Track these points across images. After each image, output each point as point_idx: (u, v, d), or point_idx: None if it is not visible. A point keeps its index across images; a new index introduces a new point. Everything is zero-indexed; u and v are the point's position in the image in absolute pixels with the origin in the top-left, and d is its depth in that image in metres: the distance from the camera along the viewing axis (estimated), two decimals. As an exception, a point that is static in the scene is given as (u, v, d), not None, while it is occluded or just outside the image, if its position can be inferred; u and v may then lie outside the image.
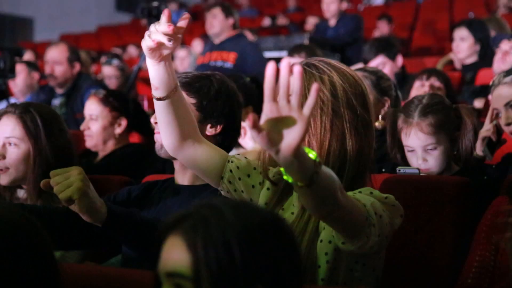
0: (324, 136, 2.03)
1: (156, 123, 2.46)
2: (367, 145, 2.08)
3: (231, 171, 2.22)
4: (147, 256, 2.34)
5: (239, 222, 1.38)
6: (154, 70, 2.14)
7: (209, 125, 2.64)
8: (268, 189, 2.21)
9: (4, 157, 2.81)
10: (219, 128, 2.66)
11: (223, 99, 2.68)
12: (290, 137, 1.54)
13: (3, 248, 1.44)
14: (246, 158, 2.28)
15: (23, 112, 2.89)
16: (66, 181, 2.12)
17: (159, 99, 2.18)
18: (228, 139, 2.72)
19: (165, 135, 2.23)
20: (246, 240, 1.36)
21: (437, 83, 4.69)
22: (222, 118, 2.66)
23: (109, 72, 6.76)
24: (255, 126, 1.50)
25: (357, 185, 2.04)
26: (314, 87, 1.53)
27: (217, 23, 6.64)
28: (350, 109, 2.05)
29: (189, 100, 2.60)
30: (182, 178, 2.68)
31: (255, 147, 3.27)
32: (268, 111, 1.53)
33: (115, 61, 6.82)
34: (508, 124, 3.11)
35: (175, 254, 1.38)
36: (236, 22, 6.71)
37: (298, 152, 1.56)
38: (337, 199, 1.73)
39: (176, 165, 2.68)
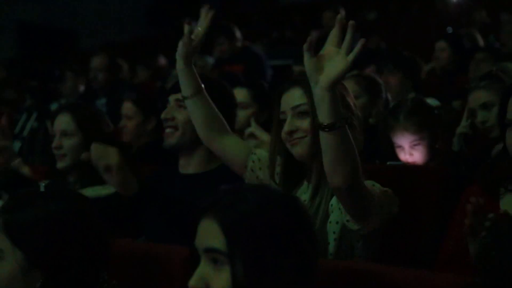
0: None
1: (165, 118, 2.58)
2: (358, 134, 2.07)
3: (253, 162, 2.23)
4: (167, 233, 2.36)
5: (261, 203, 1.40)
6: (181, 72, 2.25)
7: None
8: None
9: (61, 147, 2.85)
10: None
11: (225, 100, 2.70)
12: (331, 70, 1.63)
13: (81, 225, 1.62)
14: (264, 155, 2.27)
15: (76, 110, 2.95)
16: (106, 152, 2.21)
17: (185, 97, 2.26)
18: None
19: (197, 128, 2.31)
20: (268, 218, 1.38)
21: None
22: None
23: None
24: (310, 48, 1.64)
25: None
26: (351, 23, 1.62)
27: (225, 49, 6.62)
28: (346, 106, 2.03)
29: None
30: (187, 168, 2.67)
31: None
32: (324, 50, 1.66)
33: None
34: (483, 122, 3.10)
35: (210, 233, 1.39)
36: (239, 40, 6.69)
37: (333, 88, 1.64)
38: (357, 161, 1.74)
39: (181, 157, 2.68)
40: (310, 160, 2.07)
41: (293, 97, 2.08)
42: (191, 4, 7.62)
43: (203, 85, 2.30)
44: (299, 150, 2.06)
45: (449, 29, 8.39)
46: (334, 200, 1.99)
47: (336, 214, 1.96)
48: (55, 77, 5.15)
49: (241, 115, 3.69)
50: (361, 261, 1.98)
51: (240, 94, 3.70)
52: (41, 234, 1.63)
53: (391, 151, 3.09)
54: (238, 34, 6.73)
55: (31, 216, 1.64)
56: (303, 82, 1.99)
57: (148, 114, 3.91)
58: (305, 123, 2.05)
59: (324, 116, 1.69)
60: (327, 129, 1.69)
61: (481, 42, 6.76)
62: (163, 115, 2.66)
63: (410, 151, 2.97)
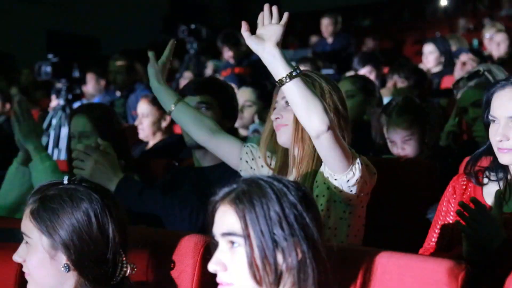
0: None
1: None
2: (347, 135, 2.09)
3: (246, 153, 2.26)
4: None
5: (272, 190, 1.41)
6: (157, 90, 2.36)
7: (227, 119, 2.67)
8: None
9: None
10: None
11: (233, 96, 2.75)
12: (270, 33, 1.80)
13: (103, 213, 1.63)
14: (254, 145, 2.30)
15: (91, 111, 2.94)
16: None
17: (170, 112, 2.34)
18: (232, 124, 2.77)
19: (190, 134, 2.36)
20: (278, 203, 1.39)
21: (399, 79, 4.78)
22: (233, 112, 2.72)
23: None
24: (247, 29, 1.82)
25: None
26: (274, 7, 1.82)
27: (231, 55, 6.59)
28: (334, 107, 2.06)
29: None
30: (202, 162, 2.65)
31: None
32: (258, 30, 1.82)
33: None
34: (474, 118, 3.08)
35: (227, 219, 1.42)
36: (244, 45, 6.66)
37: (277, 45, 1.79)
38: (323, 103, 1.81)
39: (197, 152, 2.66)
40: (292, 146, 2.10)
41: None
42: (200, 14, 7.61)
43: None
44: (282, 137, 2.11)
45: (437, 34, 8.37)
46: (318, 176, 2.03)
47: (322, 188, 1.99)
48: (79, 79, 5.14)
49: (247, 112, 3.68)
50: (352, 244, 1.97)
51: (246, 93, 3.70)
52: (65, 221, 1.62)
53: (385, 144, 3.09)
54: (243, 40, 6.71)
55: (56, 205, 1.63)
56: None
57: (163, 112, 3.90)
58: (289, 113, 2.08)
59: (281, 70, 1.79)
60: (288, 80, 1.78)
61: (466, 45, 6.74)
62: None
63: (402, 146, 2.95)
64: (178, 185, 2.63)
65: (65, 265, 1.62)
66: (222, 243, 1.43)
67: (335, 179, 1.95)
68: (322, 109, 1.79)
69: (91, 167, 2.36)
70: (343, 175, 1.92)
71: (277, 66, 1.80)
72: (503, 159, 1.84)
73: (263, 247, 1.37)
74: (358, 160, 1.92)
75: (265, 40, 1.81)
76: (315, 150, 2.00)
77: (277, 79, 1.81)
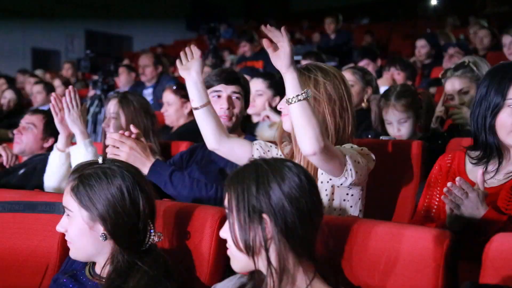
0: None
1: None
2: (345, 123, 2.02)
3: (257, 149, 2.19)
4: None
5: (257, 173, 1.41)
6: (189, 86, 2.17)
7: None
8: None
9: (108, 126, 2.92)
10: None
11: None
12: (281, 58, 1.67)
13: (134, 189, 1.64)
14: (261, 141, 2.24)
15: (122, 98, 2.94)
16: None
17: (196, 108, 2.16)
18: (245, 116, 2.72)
19: (208, 136, 2.17)
20: (257, 179, 1.40)
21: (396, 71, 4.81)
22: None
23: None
24: (269, 46, 1.68)
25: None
26: (283, 29, 1.67)
27: (249, 49, 6.54)
28: (328, 98, 2.00)
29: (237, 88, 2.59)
30: None
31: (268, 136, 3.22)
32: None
33: None
34: (462, 103, 3.05)
35: (225, 195, 1.44)
36: (258, 41, 6.65)
37: (288, 70, 1.68)
38: (319, 129, 1.70)
39: None
40: (294, 134, 2.05)
41: None
42: (219, 14, 7.61)
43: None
44: (286, 124, 2.07)
45: (428, 30, 8.28)
46: None
47: (326, 176, 1.95)
48: (113, 72, 5.16)
49: (258, 100, 3.66)
50: (352, 216, 1.96)
51: (257, 83, 3.67)
52: (102, 196, 1.62)
53: (382, 128, 3.08)
54: (256, 37, 6.69)
55: (93, 182, 1.63)
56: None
57: (185, 100, 3.89)
58: None
59: (288, 92, 1.70)
60: (294, 101, 1.69)
61: (453, 40, 6.69)
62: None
63: (398, 127, 2.97)
64: (187, 163, 2.63)
65: (103, 234, 1.63)
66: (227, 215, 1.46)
67: (330, 179, 1.92)
68: (315, 135, 1.70)
69: (126, 153, 2.34)
70: (337, 179, 1.89)
71: (286, 87, 1.71)
72: None
73: (238, 218, 1.40)
74: (350, 167, 1.85)
75: (285, 60, 1.69)
76: None
77: (286, 97, 1.72)
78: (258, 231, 1.38)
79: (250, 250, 1.40)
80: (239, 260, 1.44)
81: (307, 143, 1.71)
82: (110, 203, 1.61)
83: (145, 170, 2.34)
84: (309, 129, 1.69)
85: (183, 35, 15.10)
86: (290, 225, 1.38)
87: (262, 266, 1.42)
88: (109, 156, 2.36)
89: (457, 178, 1.71)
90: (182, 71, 2.17)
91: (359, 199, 2.02)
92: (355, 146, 1.98)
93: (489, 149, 1.85)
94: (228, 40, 10.65)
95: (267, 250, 1.39)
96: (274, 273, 1.39)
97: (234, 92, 2.59)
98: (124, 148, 2.35)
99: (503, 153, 1.85)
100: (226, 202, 1.44)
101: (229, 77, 2.60)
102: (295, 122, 1.72)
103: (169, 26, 15.14)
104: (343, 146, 1.97)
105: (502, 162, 1.85)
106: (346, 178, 1.87)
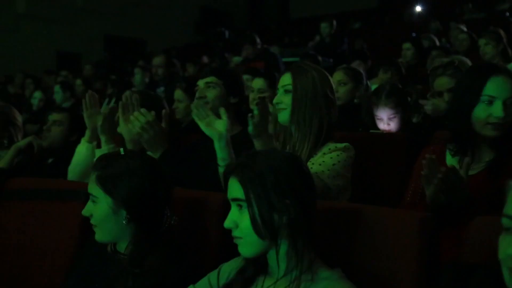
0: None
1: (199, 96, 2.53)
2: (330, 118, 2.03)
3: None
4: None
5: (270, 162, 1.38)
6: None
7: (231, 96, 2.58)
8: None
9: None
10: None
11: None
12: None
13: (153, 177, 1.65)
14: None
15: (145, 94, 2.95)
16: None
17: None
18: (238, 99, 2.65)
19: None
20: (275, 173, 1.37)
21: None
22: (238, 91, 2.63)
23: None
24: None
25: (319, 145, 2.01)
26: None
27: (250, 51, 6.49)
28: (324, 94, 2.01)
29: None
30: None
31: None
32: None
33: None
34: (448, 101, 3.02)
35: (234, 187, 1.40)
36: (259, 44, 6.59)
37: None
38: None
39: None
40: (289, 126, 2.07)
41: (284, 79, 2.09)
42: (225, 20, 7.58)
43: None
44: (281, 117, 2.07)
45: (413, 34, 8.26)
46: (314, 158, 1.98)
47: (316, 168, 1.93)
48: (129, 72, 5.16)
49: (260, 98, 3.64)
50: (342, 202, 1.96)
51: (259, 82, 3.66)
52: (125, 184, 1.62)
53: (372, 122, 3.07)
54: (258, 40, 6.65)
55: (116, 171, 1.64)
56: (292, 69, 2.06)
57: (193, 99, 3.88)
58: (287, 99, 2.05)
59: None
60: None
61: (436, 43, 6.67)
62: (197, 95, 2.61)
63: (388, 122, 2.96)
64: (190, 156, 2.62)
65: (126, 218, 1.64)
66: (233, 206, 1.42)
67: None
68: None
69: (150, 135, 2.32)
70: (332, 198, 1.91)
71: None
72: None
73: (261, 209, 1.36)
74: (335, 191, 1.89)
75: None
76: (310, 133, 1.98)
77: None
78: (281, 215, 1.36)
79: (268, 236, 1.37)
80: (253, 246, 1.39)
81: None
82: (133, 190, 1.62)
83: (157, 154, 2.32)
84: None
85: (192, 38, 15.08)
86: (307, 208, 1.38)
87: (274, 250, 1.39)
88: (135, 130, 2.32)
89: (427, 155, 1.68)
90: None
91: (346, 190, 2.00)
92: (339, 144, 1.99)
93: (466, 141, 1.86)
94: (232, 43, 10.64)
95: (291, 234, 1.37)
96: (287, 256, 1.38)
97: (207, 83, 2.58)
98: (151, 131, 2.32)
99: (479, 145, 1.86)
100: (236, 194, 1.39)
101: (204, 72, 2.61)
102: None
103: (180, 31, 15.11)
104: (328, 148, 1.97)
105: (477, 152, 1.86)
106: (330, 198, 1.88)
